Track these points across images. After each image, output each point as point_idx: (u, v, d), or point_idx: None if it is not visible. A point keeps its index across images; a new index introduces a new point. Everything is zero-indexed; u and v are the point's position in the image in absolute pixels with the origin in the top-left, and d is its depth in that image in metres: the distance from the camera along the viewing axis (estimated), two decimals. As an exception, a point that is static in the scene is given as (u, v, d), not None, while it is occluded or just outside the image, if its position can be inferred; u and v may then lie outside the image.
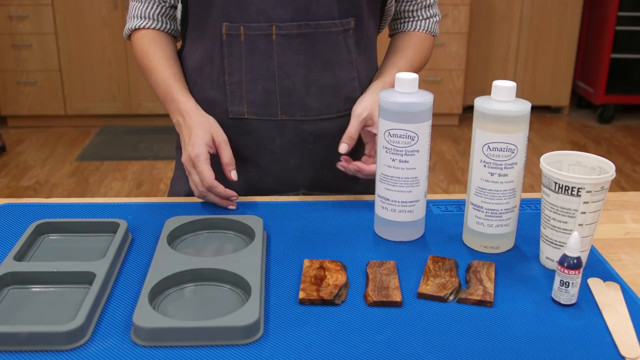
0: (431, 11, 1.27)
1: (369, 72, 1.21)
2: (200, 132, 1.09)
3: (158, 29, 1.21)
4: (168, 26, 1.22)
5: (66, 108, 4.36)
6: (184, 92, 1.14)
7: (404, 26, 1.29)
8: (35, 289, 0.86)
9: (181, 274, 0.86)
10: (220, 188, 1.07)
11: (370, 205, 1.10)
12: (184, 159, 1.09)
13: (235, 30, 1.12)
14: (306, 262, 0.92)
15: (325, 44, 1.13)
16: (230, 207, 1.10)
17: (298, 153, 1.18)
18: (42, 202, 1.12)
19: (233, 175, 1.09)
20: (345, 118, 1.18)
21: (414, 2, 1.26)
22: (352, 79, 1.17)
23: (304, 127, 1.16)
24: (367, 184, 1.25)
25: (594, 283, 0.89)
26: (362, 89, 1.18)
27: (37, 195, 3.39)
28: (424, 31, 1.28)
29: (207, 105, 1.18)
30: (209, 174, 1.06)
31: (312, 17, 1.11)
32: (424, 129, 0.94)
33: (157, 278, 0.84)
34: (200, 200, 1.13)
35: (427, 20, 1.28)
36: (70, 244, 0.98)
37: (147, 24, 1.20)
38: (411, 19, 1.27)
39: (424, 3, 1.27)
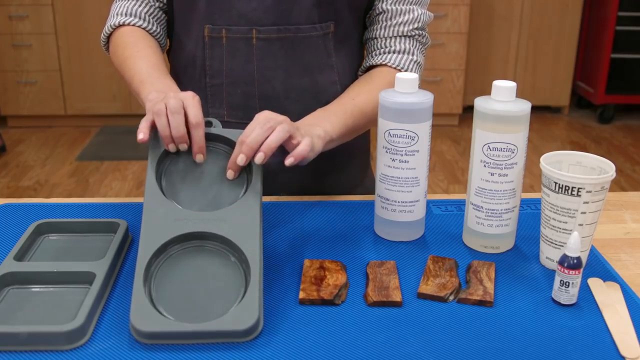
0: (406, 45, 1.14)
1: (355, 75, 1.19)
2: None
3: (144, 28, 1.15)
4: (154, 28, 1.16)
5: (66, 108, 4.37)
6: (173, 81, 1.07)
7: (372, 60, 1.16)
8: (35, 289, 0.86)
9: (172, 240, 0.84)
10: (201, 131, 0.91)
11: (370, 205, 1.10)
12: (170, 94, 0.92)
13: (217, 33, 1.11)
14: (306, 262, 0.92)
15: (305, 48, 1.11)
16: (182, 146, 0.92)
17: (278, 157, 1.17)
18: (42, 202, 1.12)
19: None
20: None
21: (385, 25, 1.14)
22: (332, 83, 1.15)
23: None
24: (350, 187, 1.25)
25: (594, 283, 0.89)
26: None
27: (37, 195, 3.39)
28: (393, 66, 1.13)
29: None
30: (200, 112, 0.92)
31: (293, 22, 1.09)
32: (424, 129, 0.94)
33: (150, 251, 0.82)
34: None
35: (399, 56, 1.13)
36: (70, 244, 0.98)
37: (134, 21, 1.14)
38: (382, 50, 1.15)
39: (397, 29, 1.13)
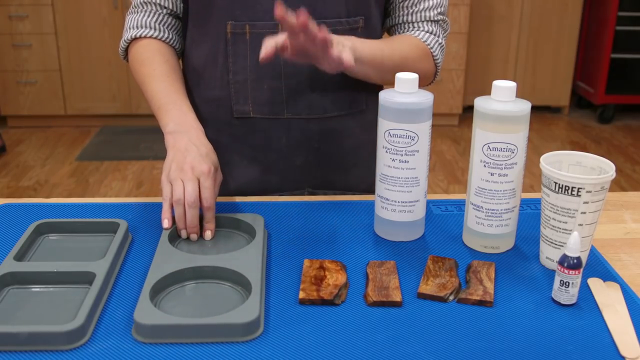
0: (433, 27, 1.18)
1: None
2: (214, 156, 1.03)
3: (159, 39, 1.17)
4: (167, 36, 1.18)
5: (66, 108, 4.37)
6: (190, 107, 1.10)
7: (400, 32, 1.21)
8: (35, 289, 0.86)
9: (182, 272, 0.87)
10: (213, 212, 0.99)
11: (370, 205, 1.10)
12: (188, 163, 0.98)
13: (241, 29, 1.11)
14: (306, 262, 0.92)
15: None
16: (192, 236, 0.98)
17: (304, 152, 1.18)
18: (42, 202, 1.12)
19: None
20: (351, 116, 1.18)
21: (411, 11, 1.17)
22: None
23: (309, 126, 1.16)
24: (371, 183, 1.25)
25: (594, 283, 0.89)
26: (368, 87, 1.17)
27: (37, 195, 3.39)
28: (422, 40, 1.17)
29: (211, 104, 1.18)
30: (215, 193, 0.99)
31: (319, 16, 1.09)
32: (424, 129, 0.94)
33: (158, 276, 0.84)
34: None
35: (428, 35, 1.18)
36: (70, 244, 0.98)
37: (147, 32, 1.16)
38: (410, 30, 1.19)
39: (423, 15, 1.17)
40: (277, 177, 1.20)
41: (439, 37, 1.19)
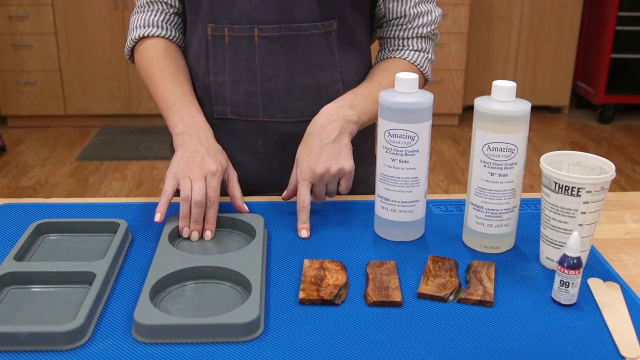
0: (423, 44, 1.19)
1: (358, 74, 1.20)
2: (222, 156, 1.04)
3: (166, 37, 1.17)
4: (174, 35, 1.19)
5: (66, 108, 4.37)
6: (199, 108, 1.11)
7: (389, 54, 1.21)
8: (35, 289, 0.86)
9: (182, 272, 0.87)
10: (215, 212, 0.99)
11: (370, 205, 1.10)
12: (197, 162, 0.99)
13: (220, 31, 1.12)
14: (306, 262, 0.92)
15: (307, 46, 1.12)
16: (194, 235, 0.98)
17: (281, 154, 1.18)
18: (42, 202, 1.12)
19: (244, 207, 1.04)
20: None
21: (404, 27, 1.18)
22: (335, 81, 1.16)
23: (285, 129, 1.16)
24: (354, 186, 1.25)
25: (594, 283, 0.89)
26: (346, 91, 1.16)
27: (37, 195, 3.39)
28: (411, 61, 1.19)
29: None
30: (217, 193, 1.00)
31: (295, 20, 1.10)
32: (424, 129, 0.94)
33: (158, 276, 0.84)
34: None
35: (417, 53, 1.19)
36: (70, 244, 0.98)
37: (154, 32, 1.16)
38: (399, 48, 1.20)
39: (416, 31, 1.18)
40: (255, 178, 1.20)
41: (427, 52, 1.20)
